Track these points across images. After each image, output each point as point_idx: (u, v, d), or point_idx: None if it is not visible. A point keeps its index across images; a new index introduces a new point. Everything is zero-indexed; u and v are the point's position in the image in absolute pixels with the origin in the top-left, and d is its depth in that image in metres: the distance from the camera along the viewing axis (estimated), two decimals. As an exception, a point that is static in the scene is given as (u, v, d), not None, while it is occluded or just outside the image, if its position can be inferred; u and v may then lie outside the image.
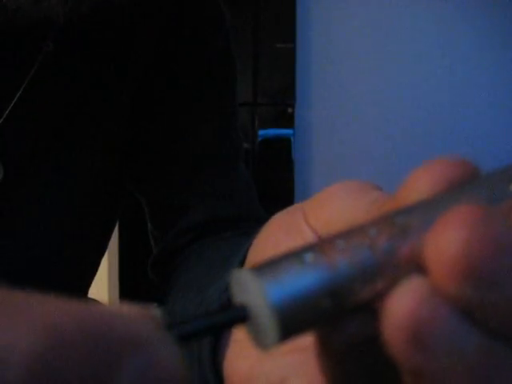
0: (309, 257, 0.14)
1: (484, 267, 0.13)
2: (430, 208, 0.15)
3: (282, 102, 1.92)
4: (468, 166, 0.15)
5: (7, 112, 0.39)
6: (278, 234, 0.20)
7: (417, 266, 0.14)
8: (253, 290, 0.14)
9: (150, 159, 0.47)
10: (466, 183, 0.15)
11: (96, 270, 0.51)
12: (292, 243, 0.19)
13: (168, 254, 0.46)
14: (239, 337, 0.22)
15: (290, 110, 1.92)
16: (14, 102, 0.39)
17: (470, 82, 2.01)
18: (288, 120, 1.92)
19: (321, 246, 0.14)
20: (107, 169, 0.45)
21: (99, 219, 0.46)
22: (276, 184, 1.91)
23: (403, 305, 0.13)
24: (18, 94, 0.39)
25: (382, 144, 1.98)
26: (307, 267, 0.14)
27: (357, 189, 0.19)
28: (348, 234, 0.15)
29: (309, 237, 0.19)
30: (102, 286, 1.43)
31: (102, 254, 0.50)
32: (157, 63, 0.46)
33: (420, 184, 0.15)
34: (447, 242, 0.13)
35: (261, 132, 1.92)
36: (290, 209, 0.21)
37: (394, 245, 0.14)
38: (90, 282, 0.52)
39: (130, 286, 1.58)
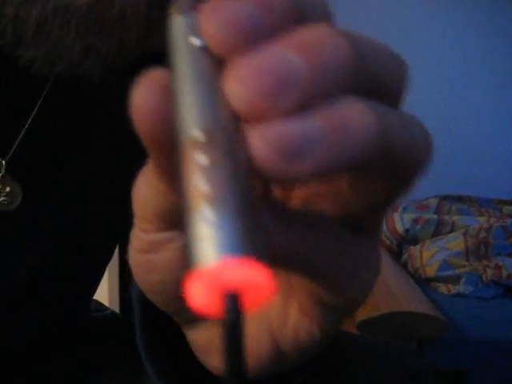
0: (210, 216, 0.14)
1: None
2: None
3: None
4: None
5: (22, 135, 0.38)
6: (138, 258, 0.23)
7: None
8: None
9: None
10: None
11: (100, 279, 0.51)
12: None
13: None
14: None
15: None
16: (28, 124, 0.39)
17: (472, 81, 2.01)
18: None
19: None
20: (114, 184, 0.45)
21: (106, 233, 0.46)
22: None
23: (261, 145, 0.15)
24: (33, 113, 0.38)
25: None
26: (217, 223, 0.14)
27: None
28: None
29: None
30: (102, 286, 1.43)
31: (107, 264, 0.50)
32: None
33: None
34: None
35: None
36: None
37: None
38: (95, 290, 0.52)
39: (130, 287, 1.58)
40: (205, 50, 0.17)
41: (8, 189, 0.38)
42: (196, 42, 0.17)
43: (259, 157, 0.15)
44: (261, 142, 0.15)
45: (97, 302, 0.58)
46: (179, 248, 0.21)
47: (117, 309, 1.42)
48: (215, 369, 0.25)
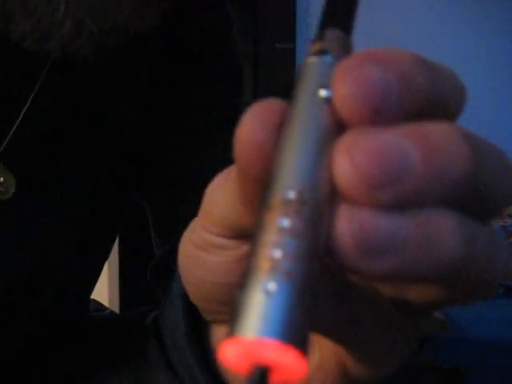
0: (270, 286, 0.14)
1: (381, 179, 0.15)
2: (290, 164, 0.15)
3: (281, 102, 1.92)
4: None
5: (17, 124, 0.38)
6: (192, 252, 0.21)
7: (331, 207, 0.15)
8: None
9: (155, 170, 0.47)
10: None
11: (98, 275, 0.51)
12: (208, 256, 0.21)
13: (169, 261, 0.46)
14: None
15: (289, 109, 1.92)
16: (23, 111, 0.38)
17: (472, 76, 2.00)
18: (288, 120, 1.92)
19: (266, 268, 0.14)
20: (112, 178, 0.45)
21: (104, 227, 0.46)
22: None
23: (345, 229, 0.15)
24: (27, 102, 0.38)
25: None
26: (275, 295, 0.14)
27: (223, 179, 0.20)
28: (264, 241, 0.14)
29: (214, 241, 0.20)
30: (102, 285, 1.43)
31: (105, 260, 0.50)
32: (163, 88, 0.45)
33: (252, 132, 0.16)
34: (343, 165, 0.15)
35: (261, 132, 1.92)
36: (191, 224, 0.22)
37: (310, 215, 0.14)
38: (93, 287, 0.52)
39: (130, 287, 1.58)
40: (328, 102, 0.16)
41: (1, 179, 0.38)
42: (323, 92, 0.16)
43: (339, 240, 0.15)
44: (346, 225, 0.15)
45: (96, 302, 0.58)
46: (233, 257, 0.20)
47: (117, 309, 1.42)
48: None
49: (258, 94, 1.92)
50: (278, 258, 0.14)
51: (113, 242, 0.50)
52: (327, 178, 0.15)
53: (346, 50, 0.17)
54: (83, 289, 0.49)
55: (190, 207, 0.48)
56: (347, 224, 0.15)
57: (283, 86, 1.81)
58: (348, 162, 0.15)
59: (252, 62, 1.89)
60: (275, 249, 0.14)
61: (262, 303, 0.14)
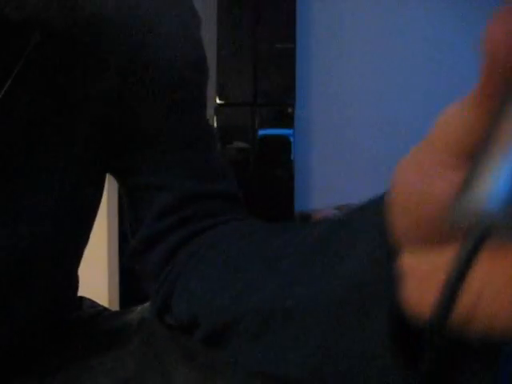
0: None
1: None
2: None
3: (281, 102, 1.92)
4: None
5: None
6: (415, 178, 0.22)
7: None
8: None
9: (128, 142, 0.47)
10: None
11: (80, 257, 0.51)
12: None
13: (147, 241, 0.46)
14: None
15: (289, 110, 1.92)
16: (2, 92, 0.38)
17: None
18: (288, 120, 1.92)
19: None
20: (88, 157, 0.45)
21: (82, 209, 0.46)
22: (276, 184, 1.91)
23: None
24: (5, 86, 0.38)
25: (381, 144, 1.98)
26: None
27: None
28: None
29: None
30: (102, 285, 1.43)
31: (86, 242, 0.50)
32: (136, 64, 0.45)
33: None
34: None
35: (260, 132, 1.92)
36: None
37: None
38: (76, 268, 0.52)
39: (130, 286, 1.58)
40: None
41: None
42: None
43: None
44: None
45: (90, 300, 0.58)
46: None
47: (117, 309, 1.42)
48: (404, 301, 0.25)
49: (257, 94, 1.92)
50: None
51: (92, 222, 0.50)
52: None
53: None
54: (67, 267, 0.49)
55: (161, 175, 0.48)
56: None
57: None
58: None
59: (252, 62, 1.89)
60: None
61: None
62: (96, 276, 1.41)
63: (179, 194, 0.46)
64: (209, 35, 1.82)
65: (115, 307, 1.44)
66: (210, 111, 1.80)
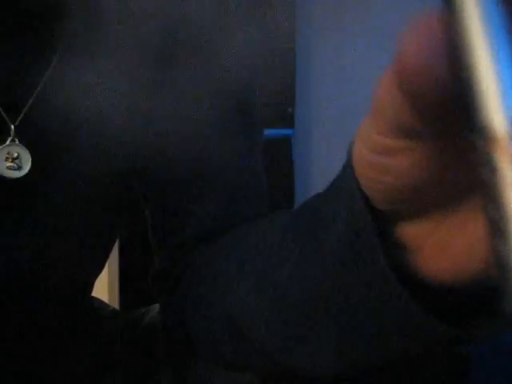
0: None
1: None
2: None
3: (281, 102, 1.92)
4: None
5: (33, 98, 0.37)
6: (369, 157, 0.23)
7: None
8: None
9: (162, 167, 0.46)
10: None
11: (102, 266, 0.50)
12: None
13: (170, 266, 0.45)
14: None
15: (289, 109, 1.92)
16: (39, 87, 0.37)
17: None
18: (288, 120, 1.92)
19: None
20: (117, 171, 0.44)
21: (107, 221, 0.46)
22: (276, 184, 1.91)
23: None
24: (45, 77, 0.37)
25: (381, 144, 1.97)
26: None
27: None
28: None
29: None
30: (102, 285, 1.43)
31: (109, 251, 0.50)
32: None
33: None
34: None
35: (261, 132, 1.91)
36: None
37: None
38: (96, 277, 0.51)
39: (130, 287, 1.58)
40: None
41: (16, 154, 0.37)
42: None
43: None
44: None
45: (98, 300, 0.58)
46: (419, 157, 0.21)
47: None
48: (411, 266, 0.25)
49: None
50: None
51: (117, 233, 0.49)
52: None
53: None
54: (84, 278, 0.49)
55: (188, 202, 0.48)
56: None
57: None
58: None
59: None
60: None
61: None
62: (96, 276, 1.41)
63: (204, 223, 0.45)
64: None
65: (115, 307, 1.44)
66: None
